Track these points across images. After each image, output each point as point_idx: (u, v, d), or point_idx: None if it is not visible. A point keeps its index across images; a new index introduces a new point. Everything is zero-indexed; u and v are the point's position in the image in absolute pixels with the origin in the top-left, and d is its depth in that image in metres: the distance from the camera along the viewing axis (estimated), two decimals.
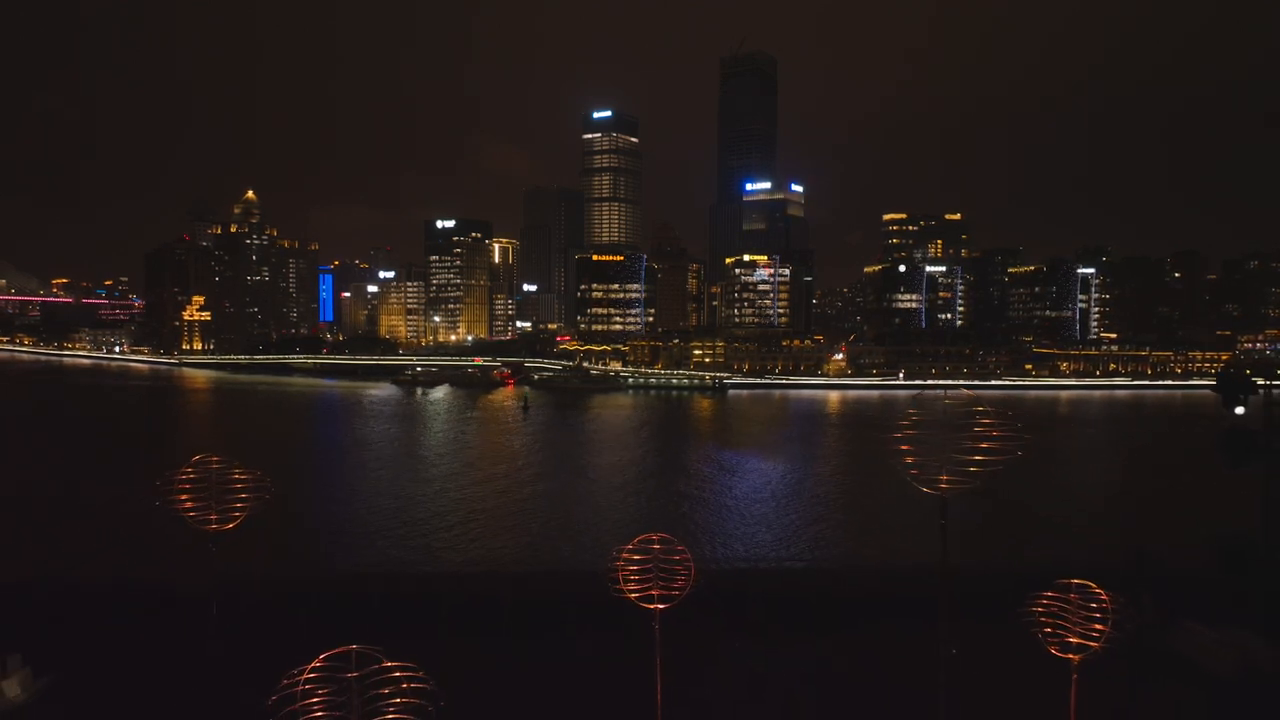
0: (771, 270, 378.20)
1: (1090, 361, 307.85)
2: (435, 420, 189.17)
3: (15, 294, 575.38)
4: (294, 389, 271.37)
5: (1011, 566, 49.13)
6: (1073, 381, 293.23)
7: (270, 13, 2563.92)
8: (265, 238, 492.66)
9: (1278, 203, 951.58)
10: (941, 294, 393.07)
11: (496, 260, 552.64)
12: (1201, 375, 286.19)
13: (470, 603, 35.48)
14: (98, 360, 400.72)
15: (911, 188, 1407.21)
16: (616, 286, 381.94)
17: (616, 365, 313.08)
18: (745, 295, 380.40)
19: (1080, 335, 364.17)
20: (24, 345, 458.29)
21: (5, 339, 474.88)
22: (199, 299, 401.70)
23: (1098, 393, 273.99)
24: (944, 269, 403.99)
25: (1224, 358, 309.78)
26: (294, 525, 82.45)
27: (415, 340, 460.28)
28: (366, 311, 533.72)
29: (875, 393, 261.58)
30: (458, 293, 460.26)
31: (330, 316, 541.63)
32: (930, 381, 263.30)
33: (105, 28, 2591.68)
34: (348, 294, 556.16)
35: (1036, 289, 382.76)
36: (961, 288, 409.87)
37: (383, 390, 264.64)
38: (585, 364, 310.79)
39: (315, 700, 13.55)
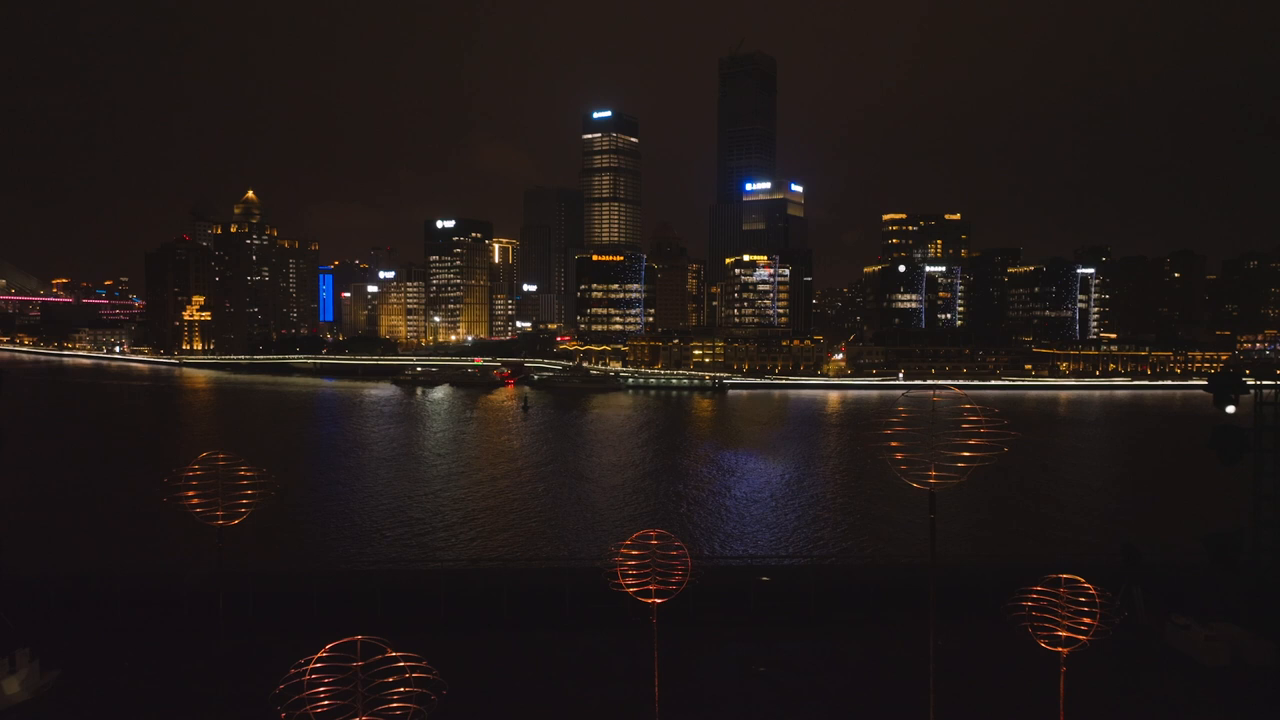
0: (771, 270, 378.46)
1: (1089, 361, 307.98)
2: (435, 420, 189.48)
3: (15, 294, 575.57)
4: (294, 389, 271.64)
5: (1003, 562, 49.60)
6: (1072, 381, 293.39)
7: (270, 13, 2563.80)
8: (265, 238, 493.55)
9: (1278, 203, 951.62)
10: (941, 294, 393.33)
11: (496, 260, 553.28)
12: (1201, 375, 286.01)
13: (470, 597, 35.89)
14: (98, 360, 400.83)
15: (911, 187, 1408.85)
16: (616, 286, 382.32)
17: (616, 365, 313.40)
18: (745, 295, 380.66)
19: (1080, 335, 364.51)
20: (24, 345, 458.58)
21: (5, 339, 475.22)
22: (199, 299, 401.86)
23: (1097, 393, 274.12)
24: (943, 269, 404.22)
25: (1223, 358, 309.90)
26: (295, 523, 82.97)
27: (415, 340, 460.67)
28: (366, 311, 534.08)
29: (874, 393, 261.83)
30: (458, 293, 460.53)
31: (330, 316, 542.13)
32: (929, 381, 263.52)
33: (106, 28, 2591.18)
34: (348, 294, 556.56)
35: (1036, 289, 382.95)
36: (961, 288, 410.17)
37: (383, 390, 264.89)
38: (585, 364, 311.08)
39: (321, 689, 13.94)
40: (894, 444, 20.69)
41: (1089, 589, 19.61)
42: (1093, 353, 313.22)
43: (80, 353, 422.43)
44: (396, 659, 14.20)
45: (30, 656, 27.54)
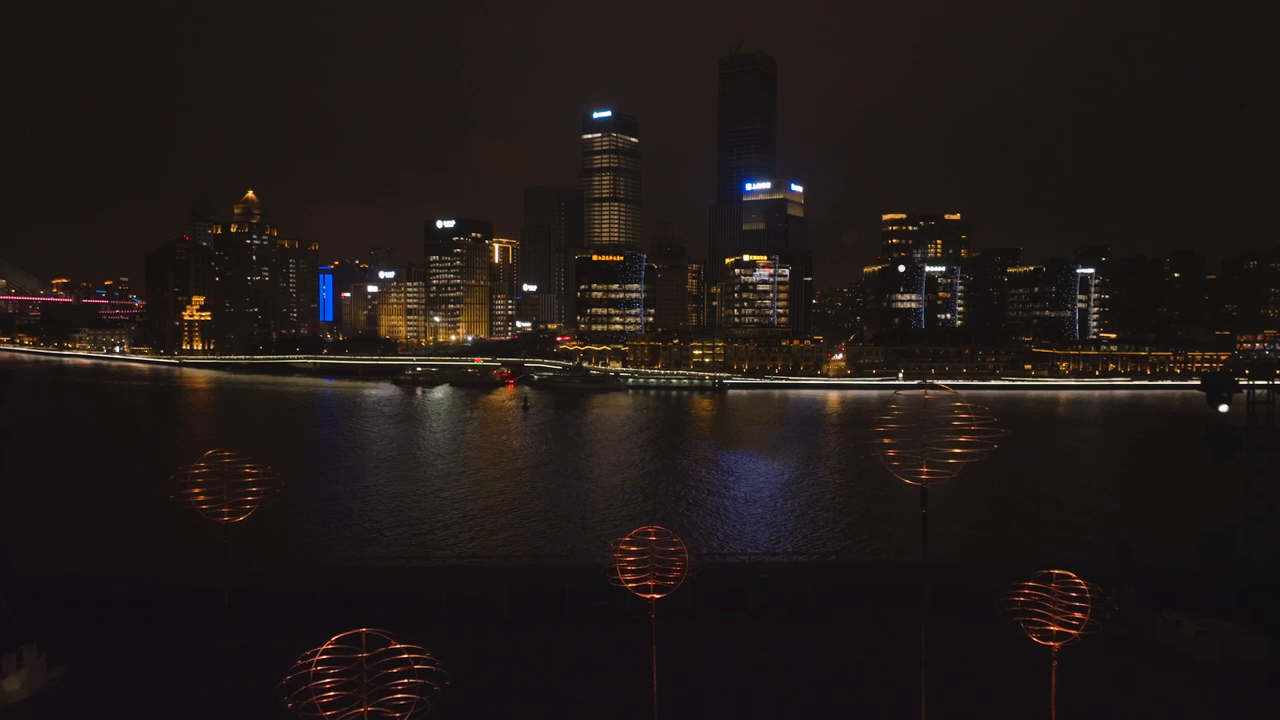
0: (771, 270, 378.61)
1: (1089, 361, 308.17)
2: (435, 420, 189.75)
3: (15, 294, 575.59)
4: (294, 389, 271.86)
5: (996, 558, 49.96)
6: (1072, 381, 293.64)
7: (270, 13, 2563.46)
8: (265, 238, 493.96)
9: (1278, 203, 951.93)
10: (941, 294, 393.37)
11: (496, 260, 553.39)
12: (1200, 375, 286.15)
13: (471, 594, 36.22)
14: (98, 360, 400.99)
15: (911, 187, 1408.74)
16: (616, 286, 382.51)
17: (616, 365, 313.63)
18: (745, 295, 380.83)
19: (1079, 335, 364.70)
20: (24, 345, 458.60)
21: (5, 339, 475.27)
22: (199, 299, 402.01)
23: (1096, 393, 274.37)
24: (943, 269, 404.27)
25: (1223, 358, 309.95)
26: (296, 521, 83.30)
27: (415, 340, 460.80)
28: (366, 311, 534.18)
29: (874, 393, 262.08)
30: (458, 293, 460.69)
31: (330, 316, 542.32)
32: (929, 381, 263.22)
33: (106, 28, 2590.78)
34: (348, 294, 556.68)
35: (1036, 289, 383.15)
36: (961, 288, 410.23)
37: (383, 390, 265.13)
38: (585, 364, 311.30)
39: (327, 680, 14.26)
40: (887, 440, 21.01)
41: (1080, 584, 19.85)
42: (1092, 353, 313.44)
43: (80, 353, 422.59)
44: (400, 650, 14.47)
45: (37, 652, 27.87)
